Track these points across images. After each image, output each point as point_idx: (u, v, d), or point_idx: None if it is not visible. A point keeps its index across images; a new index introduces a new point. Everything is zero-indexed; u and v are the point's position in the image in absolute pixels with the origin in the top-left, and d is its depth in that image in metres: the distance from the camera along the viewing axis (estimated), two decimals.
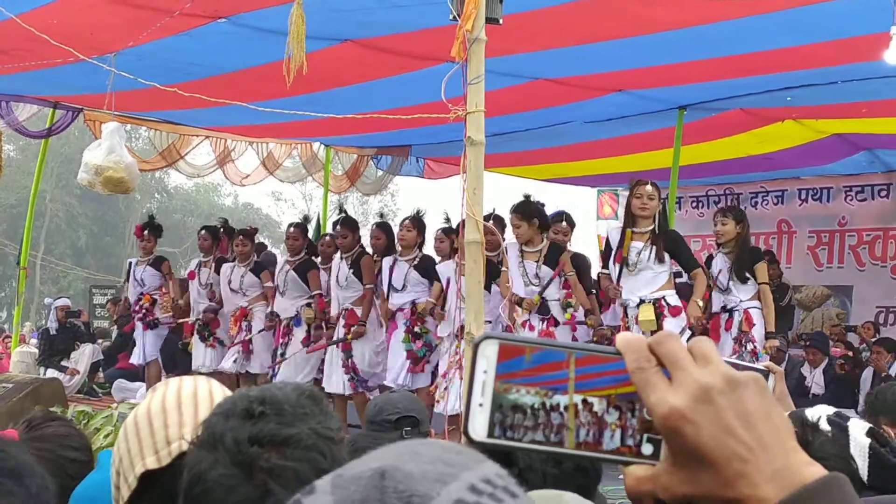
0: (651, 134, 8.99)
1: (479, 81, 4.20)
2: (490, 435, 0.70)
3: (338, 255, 8.20)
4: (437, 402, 6.95)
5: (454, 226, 7.66)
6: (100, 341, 12.65)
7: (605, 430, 0.70)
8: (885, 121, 8.51)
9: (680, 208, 11.88)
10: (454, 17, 4.23)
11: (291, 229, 8.86)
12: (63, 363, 11.46)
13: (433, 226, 8.34)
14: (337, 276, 8.09)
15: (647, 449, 0.71)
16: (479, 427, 0.70)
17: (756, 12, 5.71)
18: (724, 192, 12.33)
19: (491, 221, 6.56)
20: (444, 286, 7.49)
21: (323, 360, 8.29)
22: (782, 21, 5.90)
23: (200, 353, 9.14)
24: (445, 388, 6.80)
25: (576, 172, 11.99)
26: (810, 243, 11.84)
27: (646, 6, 5.87)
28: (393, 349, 7.82)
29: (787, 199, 11.95)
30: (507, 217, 7.50)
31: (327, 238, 8.98)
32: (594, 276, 8.23)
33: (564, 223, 8.30)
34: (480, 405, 0.70)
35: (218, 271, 9.16)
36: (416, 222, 8.00)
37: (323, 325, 8.41)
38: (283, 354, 8.43)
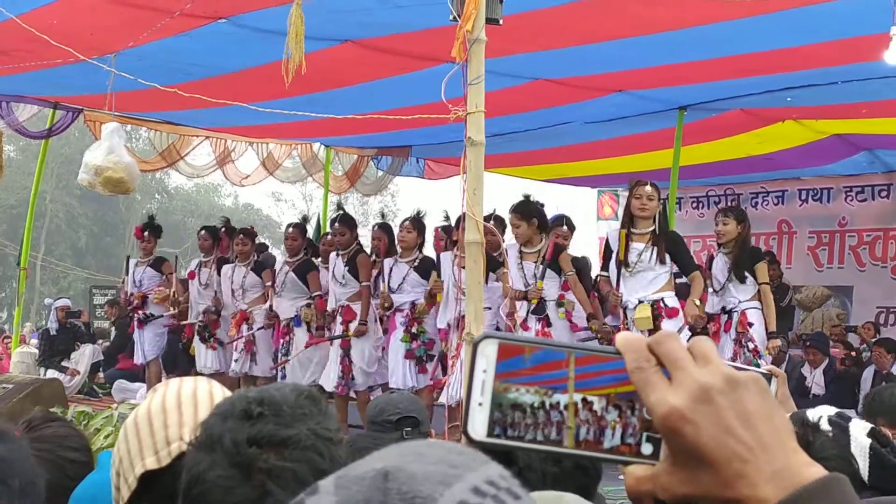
0: (651, 134, 8.99)
1: (480, 82, 4.20)
2: (490, 434, 0.70)
3: (334, 252, 8.21)
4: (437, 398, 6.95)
5: (453, 224, 7.67)
6: (100, 342, 12.66)
7: (604, 429, 0.70)
8: (885, 121, 8.52)
9: (680, 209, 11.88)
10: (454, 17, 4.23)
11: (290, 230, 8.86)
12: (63, 364, 11.47)
13: (433, 226, 8.35)
14: (334, 273, 8.09)
15: (646, 449, 0.71)
16: (478, 426, 0.70)
17: (756, 13, 5.71)
18: (724, 192, 12.34)
19: (491, 222, 6.57)
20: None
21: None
22: (782, 21, 5.90)
23: (202, 355, 9.15)
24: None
25: (576, 173, 11.99)
26: (810, 244, 11.84)
27: (646, 6, 5.87)
28: (393, 350, 7.81)
29: (788, 200, 11.96)
30: (507, 217, 7.50)
31: (329, 238, 8.98)
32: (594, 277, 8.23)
33: (565, 227, 8.30)
34: (480, 404, 0.70)
35: (218, 271, 9.16)
36: (416, 223, 7.99)
37: (323, 325, 8.41)
38: (285, 354, 8.42)
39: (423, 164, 12.07)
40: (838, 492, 0.66)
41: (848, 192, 11.52)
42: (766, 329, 6.97)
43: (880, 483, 2.01)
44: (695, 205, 12.70)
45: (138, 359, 9.73)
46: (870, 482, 2.02)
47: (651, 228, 6.59)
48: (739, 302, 7.02)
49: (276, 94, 6.69)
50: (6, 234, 32.53)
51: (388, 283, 7.82)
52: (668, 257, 6.58)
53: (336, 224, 8.21)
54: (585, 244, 13.36)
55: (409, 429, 3.43)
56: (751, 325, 6.96)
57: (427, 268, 7.80)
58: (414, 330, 7.64)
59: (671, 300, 6.56)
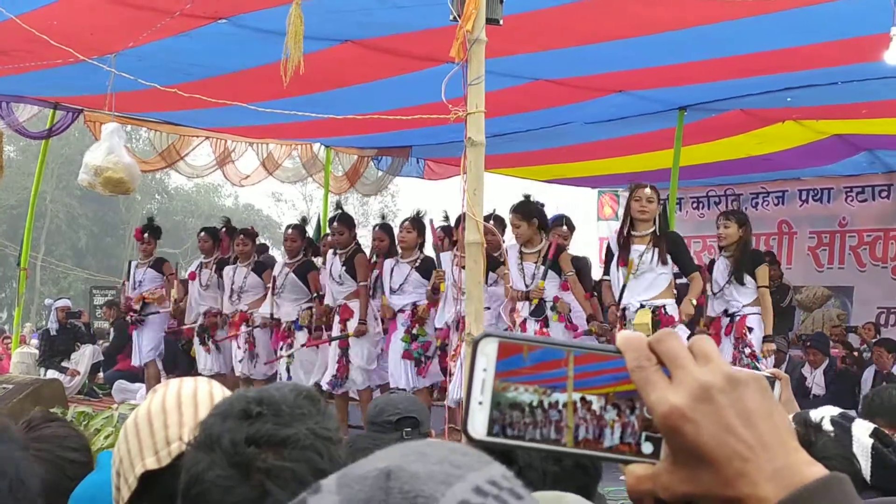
0: (651, 135, 8.99)
1: (480, 82, 4.20)
2: (489, 433, 0.69)
3: (331, 251, 8.20)
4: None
5: (453, 224, 7.67)
6: (100, 342, 12.66)
7: (604, 428, 0.70)
8: (885, 121, 8.52)
9: (680, 209, 11.88)
10: (454, 17, 4.23)
11: (290, 231, 8.85)
12: (63, 364, 11.47)
13: (434, 224, 8.34)
14: (331, 272, 8.08)
15: (647, 448, 0.70)
16: (478, 425, 0.69)
17: (756, 13, 5.71)
18: (724, 192, 12.34)
19: (491, 222, 6.56)
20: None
21: None
22: (782, 21, 5.90)
23: (202, 357, 9.15)
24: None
25: (576, 173, 11.99)
26: (811, 244, 11.84)
27: (646, 6, 5.87)
28: (393, 350, 7.81)
29: (788, 200, 11.96)
30: (507, 217, 7.50)
31: (329, 238, 8.97)
32: (595, 279, 8.23)
33: (564, 227, 8.30)
34: (480, 403, 0.70)
35: (219, 273, 9.16)
36: (416, 223, 7.98)
37: (323, 326, 8.40)
38: (289, 356, 8.39)
39: (424, 165, 12.07)
40: (839, 491, 0.66)
41: (848, 193, 11.52)
42: (763, 332, 6.99)
43: (882, 483, 2.01)
44: (695, 205, 12.70)
45: (136, 361, 9.71)
46: (872, 482, 2.02)
47: (651, 230, 6.61)
48: (742, 306, 7.03)
49: (276, 95, 6.70)
50: (6, 234, 32.53)
51: (390, 284, 7.81)
52: (669, 258, 6.59)
53: (334, 223, 8.20)
54: (585, 244, 13.36)
55: (408, 429, 3.43)
56: (750, 329, 6.98)
57: (428, 268, 7.79)
58: (414, 331, 7.63)
59: (672, 308, 6.57)
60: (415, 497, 0.61)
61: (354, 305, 7.93)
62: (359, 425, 6.82)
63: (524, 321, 7.03)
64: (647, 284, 6.55)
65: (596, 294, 7.52)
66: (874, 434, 2.08)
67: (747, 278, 7.00)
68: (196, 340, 9.22)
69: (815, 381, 9.36)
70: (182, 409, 1.46)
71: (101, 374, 11.79)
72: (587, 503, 1.65)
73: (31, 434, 1.91)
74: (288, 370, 8.38)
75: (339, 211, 8.48)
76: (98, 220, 37.56)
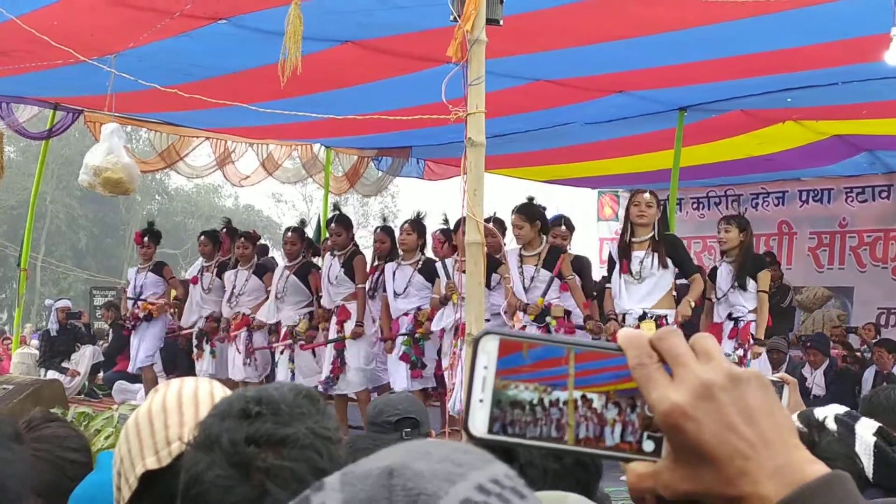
0: (652, 135, 8.99)
1: (480, 83, 4.20)
2: (490, 431, 0.69)
3: (329, 253, 8.18)
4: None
5: (452, 227, 7.65)
6: (100, 343, 12.66)
7: (605, 426, 0.70)
8: (885, 122, 8.52)
9: (681, 210, 11.87)
10: (454, 17, 4.23)
11: (289, 234, 8.81)
12: (63, 364, 11.47)
13: (433, 228, 8.33)
14: (328, 274, 8.07)
15: (648, 446, 0.70)
16: (479, 423, 0.69)
17: (756, 13, 5.71)
18: (724, 193, 12.34)
19: (491, 223, 6.56)
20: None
21: None
22: (782, 22, 5.90)
23: (201, 360, 9.14)
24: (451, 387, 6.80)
25: (576, 174, 11.99)
26: (811, 244, 11.84)
27: (646, 6, 5.87)
28: (394, 353, 7.79)
29: (788, 201, 11.96)
30: (507, 219, 7.49)
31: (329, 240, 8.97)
32: (597, 280, 8.23)
33: (563, 227, 8.30)
34: (481, 401, 0.69)
35: (220, 276, 9.15)
36: (416, 225, 7.96)
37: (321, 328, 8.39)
38: (290, 360, 8.38)
39: (424, 165, 12.07)
40: (840, 489, 0.66)
41: (848, 193, 11.53)
42: (755, 334, 7.00)
43: (885, 481, 2.00)
44: (695, 206, 12.70)
45: (131, 367, 9.64)
46: (874, 480, 2.02)
47: (650, 235, 6.65)
48: (748, 311, 7.04)
49: (276, 95, 6.70)
50: (6, 235, 32.54)
51: (393, 288, 7.78)
52: (669, 262, 6.61)
53: (332, 224, 8.19)
54: (585, 245, 13.36)
55: (408, 430, 3.43)
56: (753, 336, 7.01)
57: (430, 269, 7.76)
58: (417, 335, 7.61)
59: (672, 319, 6.58)
60: (417, 495, 0.61)
61: (352, 307, 7.92)
62: (359, 426, 6.81)
63: (524, 327, 7.03)
64: (647, 290, 6.57)
65: (596, 298, 7.52)
66: (878, 432, 2.07)
67: (750, 283, 7.02)
68: (194, 343, 9.21)
69: (816, 381, 9.36)
70: (183, 409, 1.46)
71: (101, 375, 11.79)
72: (590, 503, 1.65)
73: (30, 434, 1.91)
74: (292, 374, 8.36)
75: (337, 212, 8.47)
76: (98, 220, 37.56)
